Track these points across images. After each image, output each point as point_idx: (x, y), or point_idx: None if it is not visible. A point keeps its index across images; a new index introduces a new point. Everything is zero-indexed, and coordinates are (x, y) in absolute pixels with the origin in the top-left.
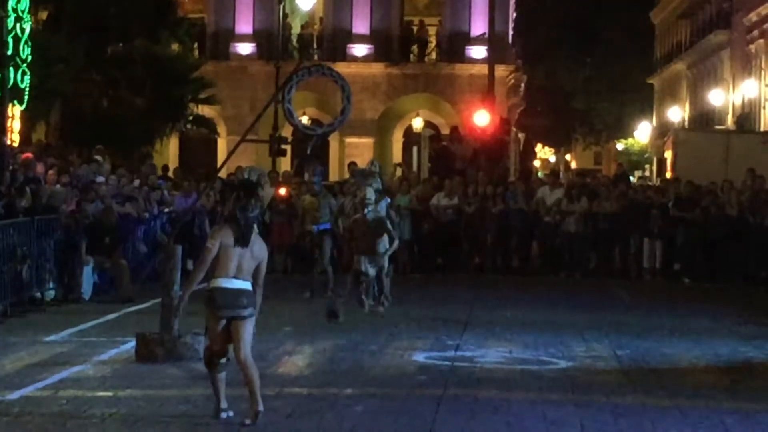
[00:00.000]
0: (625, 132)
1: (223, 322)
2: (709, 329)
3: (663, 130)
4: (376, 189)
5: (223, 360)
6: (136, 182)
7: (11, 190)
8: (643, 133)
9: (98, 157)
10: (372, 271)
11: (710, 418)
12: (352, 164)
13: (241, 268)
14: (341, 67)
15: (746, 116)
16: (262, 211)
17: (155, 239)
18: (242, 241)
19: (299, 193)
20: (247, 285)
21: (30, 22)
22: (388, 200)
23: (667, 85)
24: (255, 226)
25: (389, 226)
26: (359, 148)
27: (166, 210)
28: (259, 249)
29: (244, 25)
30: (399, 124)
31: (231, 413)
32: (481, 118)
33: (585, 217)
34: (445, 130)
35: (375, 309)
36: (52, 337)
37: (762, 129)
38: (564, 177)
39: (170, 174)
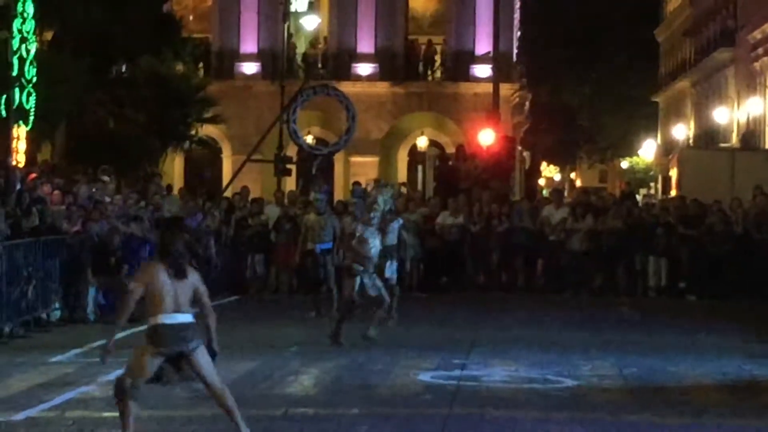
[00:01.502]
0: (630, 150)
1: (160, 359)
2: (714, 347)
3: (668, 148)
4: (390, 208)
5: (137, 387)
6: (142, 203)
7: (17, 210)
8: (648, 150)
9: (105, 177)
10: (373, 291)
11: None
12: (356, 184)
13: (178, 301)
14: (346, 86)
15: (751, 133)
16: (191, 242)
17: None
18: (177, 274)
19: (304, 212)
20: (188, 318)
21: (35, 43)
22: (401, 221)
23: (671, 102)
24: (187, 256)
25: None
26: (364, 167)
27: None
28: (192, 277)
29: (249, 44)
30: (404, 143)
31: None
32: (486, 137)
33: (590, 235)
34: (450, 149)
35: (368, 334)
36: (57, 358)
37: (767, 146)
38: (568, 195)
39: (175, 194)
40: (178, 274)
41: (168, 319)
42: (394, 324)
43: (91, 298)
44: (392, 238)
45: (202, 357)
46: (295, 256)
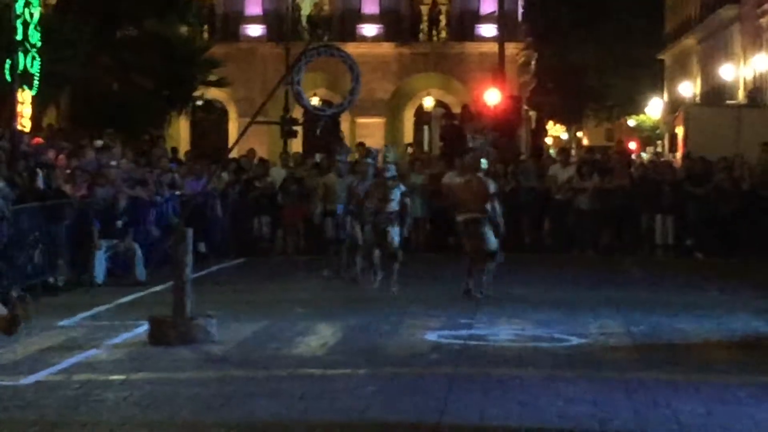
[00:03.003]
0: (637, 108)
1: None
2: (721, 304)
3: (674, 106)
4: (392, 174)
5: None
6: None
7: (23, 175)
8: (654, 108)
9: (99, 141)
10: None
11: (723, 393)
12: (360, 145)
13: None
14: (351, 48)
15: (757, 90)
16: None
17: (167, 222)
18: None
19: (310, 174)
20: None
21: (39, 7)
22: (403, 188)
23: (677, 60)
24: None
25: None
26: (370, 128)
27: (177, 193)
28: None
29: (254, 6)
30: (410, 103)
31: None
32: (492, 96)
33: (596, 194)
34: (456, 109)
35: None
36: (64, 322)
37: None
38: (575, 154)
39: (180, 156)
40: None
41: None
42: (397, 291)
43: (97, 261)
44: (393, 205)
45: None
46: (311, 215)
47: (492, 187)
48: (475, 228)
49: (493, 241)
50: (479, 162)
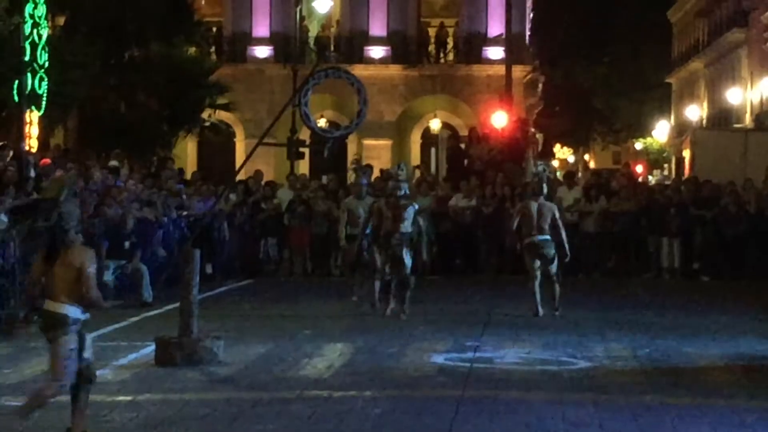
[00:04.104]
0: (644, 131)
1: None
2: (728, 327)
3: (681, 129)
4: (404, 192)
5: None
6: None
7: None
8: (661, 132)
9: (114, 162)
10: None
11: (730, 417)
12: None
13: (52, 288)
14: (359, 69)
15: (765, 114)
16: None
17: (174, 243)
18: (49, 258)
19: (316, 196)
20: (58, 308)
21: (47, 28)
22: (416, 206)
23: (685, 83)
24: (70, 234)
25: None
26: (377, 150)
27: (185, 214)
28: (73, 259)
29: (261, 28)
30: (417, 125)
31: None
32: (499, 119)
33: (603, 216)
34: (464, 131)
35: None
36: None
37: None
38: (581, 177)
39: (187, 177)
40: (49, 258)
41: (45, 304)
42: (405, 318)
43: (105, 282)
44: (407, 225)
45: (56, 347)
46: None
47: (557, 212)
48: (544, 250)
49: (555, 263)
50: (542, 187)
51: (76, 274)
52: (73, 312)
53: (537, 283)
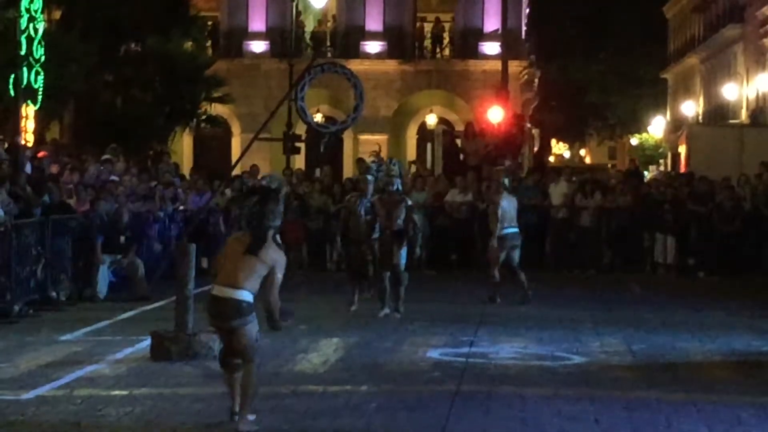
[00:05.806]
0: (640, 126)
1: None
2: (723, 323)
3: (677, 125)
4: (397, 188)
5: (237, 360)
6: (153, 183)
7: (27, 189)
8: (657, 127)
9: (108, 156)
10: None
11: (725, 413)
12: (360, 160)
13: (237, 276)
14: (355, 65)
15: (760, 110)
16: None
17: (169, 238)
18: (253, 248)
19: (312, 190)
20: (239, 294)
21: (43, 22)
22: (409, 203)
23: (680, 79)
24: (272, 233)
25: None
26: (373, 145)
27: (181, 208)
28: (270, 257)
29: (258, 22)
30: (413, 120)
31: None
32: (495, 114)
33: (599, 212)
34: (459, 127)
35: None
36: (67, 337)
37: None
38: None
39: (183, 172)
40: (253, 248)
41: (216, 291)
42: (400, 317)
43: (100, 276)
44: (400, 222)
45: (239, 336)
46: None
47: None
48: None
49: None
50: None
51: (267, 272)
52: (251, 298)
53: None
